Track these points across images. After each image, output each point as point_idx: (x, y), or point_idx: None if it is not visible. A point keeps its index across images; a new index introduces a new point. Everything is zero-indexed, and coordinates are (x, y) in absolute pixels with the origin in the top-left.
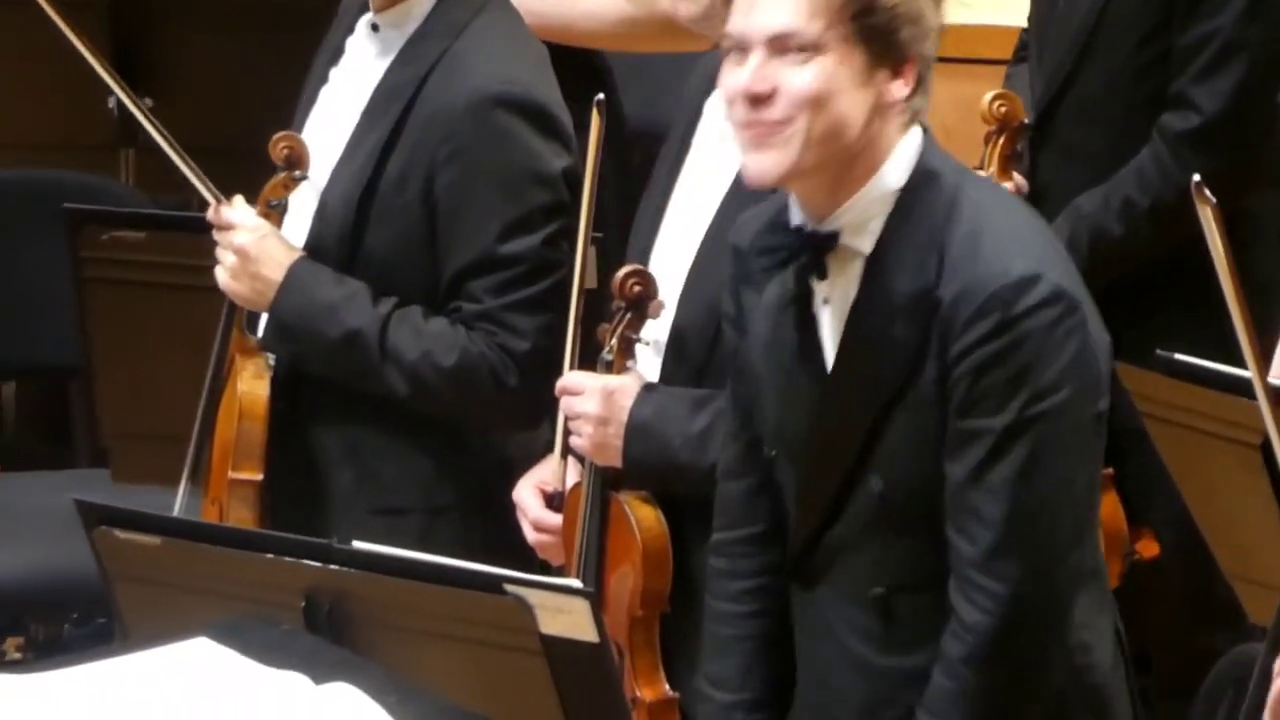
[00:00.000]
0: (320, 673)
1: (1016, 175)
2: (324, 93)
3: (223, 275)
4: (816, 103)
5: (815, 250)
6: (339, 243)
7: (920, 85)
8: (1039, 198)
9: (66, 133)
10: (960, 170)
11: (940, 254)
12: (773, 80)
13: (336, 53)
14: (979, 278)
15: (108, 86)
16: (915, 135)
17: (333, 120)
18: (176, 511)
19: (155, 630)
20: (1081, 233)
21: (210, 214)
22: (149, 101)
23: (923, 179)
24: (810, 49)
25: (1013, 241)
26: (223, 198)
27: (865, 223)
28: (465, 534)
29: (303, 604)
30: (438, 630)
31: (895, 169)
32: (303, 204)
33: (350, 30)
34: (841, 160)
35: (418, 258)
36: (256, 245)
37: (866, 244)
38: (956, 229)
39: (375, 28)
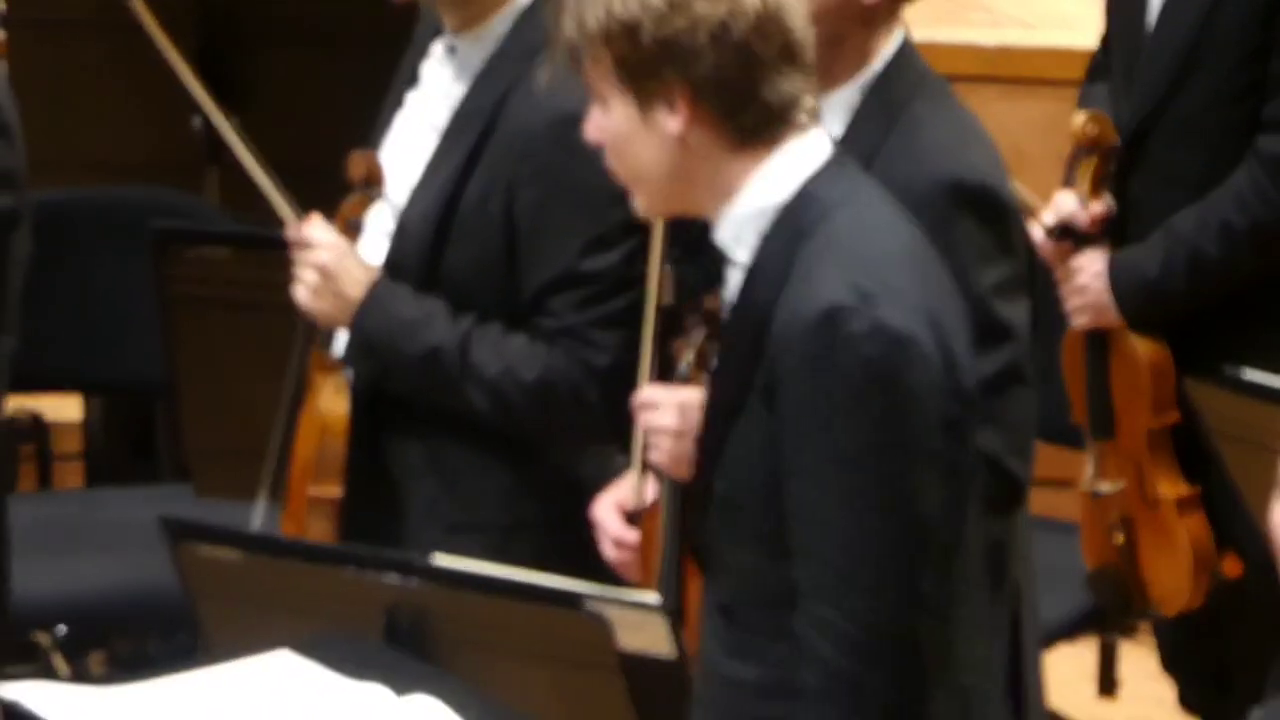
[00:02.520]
0: (402, 685)
1: (1107, 196)
2: (400, 115)
3: (303, 293)
4: (612, 153)
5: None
6: (419, 262)
7: (710, 108)
8: (1130, 219)
9: (151, 152)
10: (854, 192)
11: (788, 270)
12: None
13: (412, 76)
14: (804, 299)
15: (192, 106)
16: (792, 153)
17: (410, 142)
18: (255, 526)
19: (237, 644)
20: (1179, 254)
21: (290, 232)
22: (234, 118)
23: (802, 198)
24: (600, 101)
25: (855, 268)
26: (302, 216)
27: (740, 237)
28: (543, 550)
29: (384, 619)
30: (517, 645)
31: (765, 190)
32: (378, 224)
33: (425, 54)
34: (682, 195)
35: (497, 276)
36: (337, 263)
37: (743, 255)
38: (808, 247)
39: (452, 50)
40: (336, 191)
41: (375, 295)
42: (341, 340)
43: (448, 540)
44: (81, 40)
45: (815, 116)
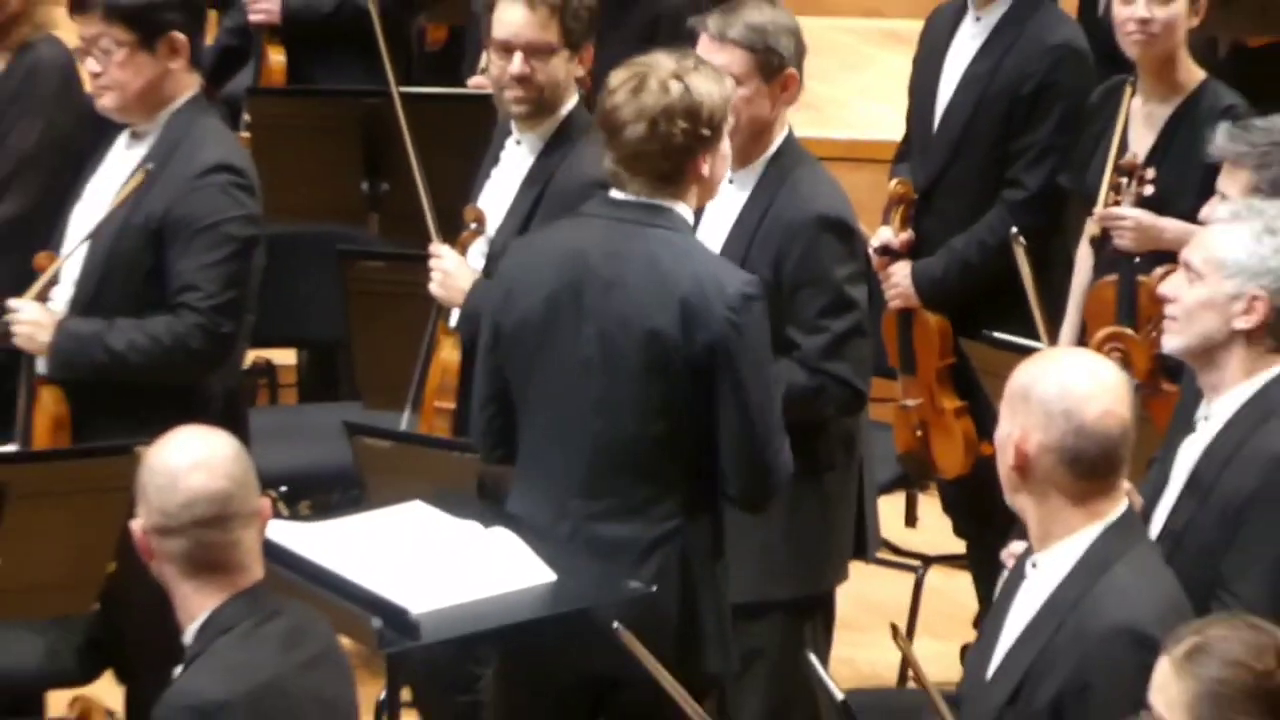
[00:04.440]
0: (487, 522)
1: (910, 229)
2: (489, 184)
3: (433, 286)
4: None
5: None
6: None
7: None
8: (923, 245)
9: (335, 203)
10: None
11: None
12: None
13: (495, 158)
14: None
15: (360, 175)
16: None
17: (497, 198)
18: (401, 427)
19: (388, 498)
20: (954, 262)
21: (431, 249)
22: (385, 186)
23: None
24: None
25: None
26: (437, 240)
27: None
28: None
29: (475, 482)
30: None
31: None
32: (478, 248)
33: (502, 145)
34: None
35: None
36: (456, 267)
37: None
38: None
39: (518, 142)
40: (456, 228)
41: (477, 288)
42: (455, 315)
43: None
44: (291, 133)
45: None
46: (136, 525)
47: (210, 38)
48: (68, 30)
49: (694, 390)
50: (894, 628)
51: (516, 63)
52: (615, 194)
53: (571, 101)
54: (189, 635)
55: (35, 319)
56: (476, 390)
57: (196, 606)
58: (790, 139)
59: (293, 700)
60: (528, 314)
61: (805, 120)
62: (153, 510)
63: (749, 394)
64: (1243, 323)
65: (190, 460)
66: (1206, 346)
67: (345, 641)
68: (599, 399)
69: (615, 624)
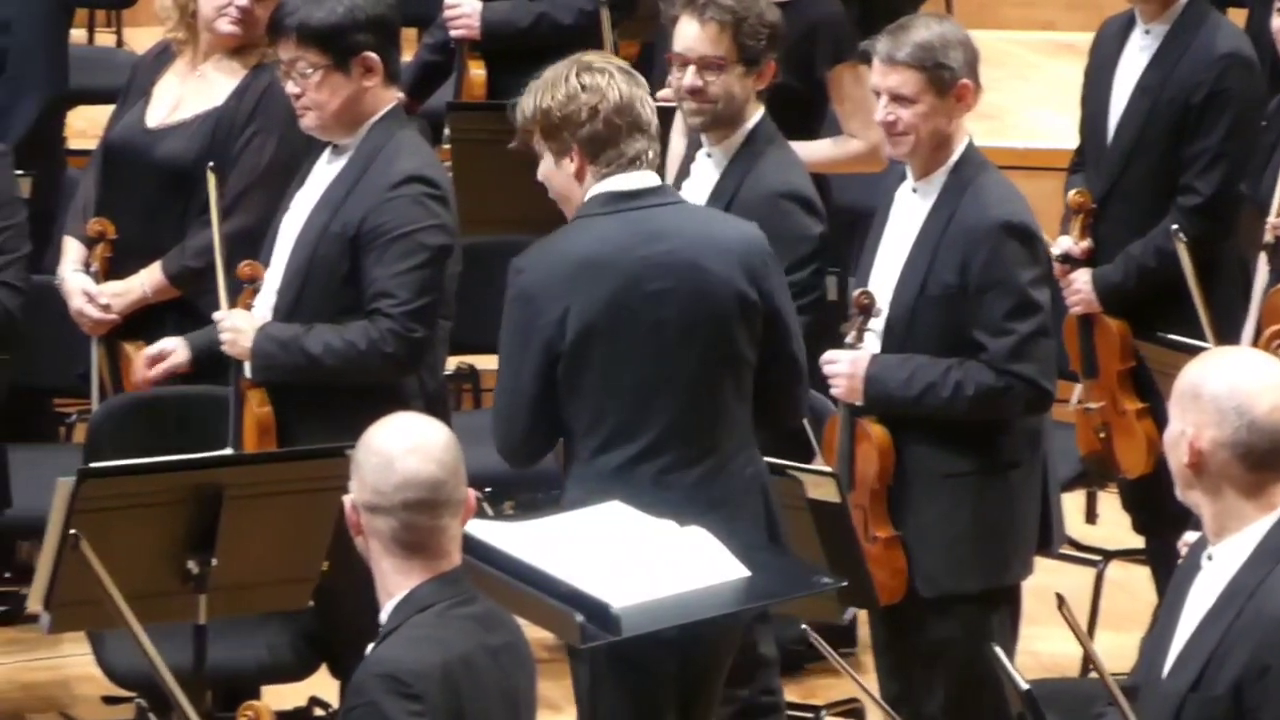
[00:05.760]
0: (683, 521)
1: (1089, 238)
2: (683, 190)
3: None
4: (546, 186)
5: None
6: None
7: (589, 156)
8: (1100, 252)
9: (528, 211)
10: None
11: None
12: None
13: (686, 170)
14: None
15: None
16: (592, 189)
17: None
18: None
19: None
20: (1132, 268)
21: None
22: None
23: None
24: (539, 155)
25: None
26: None
27: None
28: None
29: None
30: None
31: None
32: None
33: (693, 158)
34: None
35: None
36: None
37: None
38: None
39: (709, 155)
40: None
41: None
42: None
43: None
44: (490, 146)
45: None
46: (348, 499)
47: (411, 54)
48: None
49: (763, 335)
50: (1059, 597)
51: (689, 76)
52: (628, 184)
53: (756, 115)
54: (386, 612)
55: (237, 325)
56: (521, 415)
57: (395, 585)
58: (971, 148)
59: (481, 679)
60: (589, 326)
61: (981, 130)
62: (366, 487)
63: (793, 324)
64: None
65: (407, 444)
66: None
67: (547, 636)
68: (693, 379)
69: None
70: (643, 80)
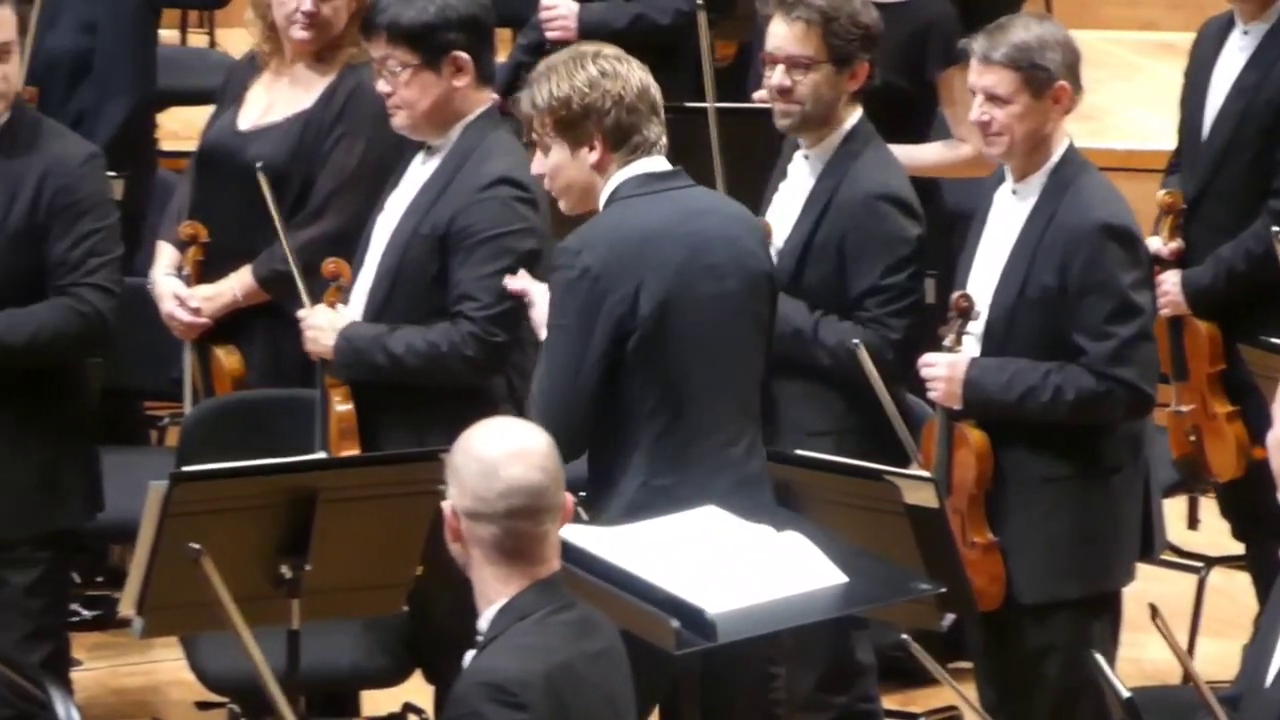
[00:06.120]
0: (780, 525)
1: (1179, 238)
2: (776, 197)
3: None
4: (550, 179)
5: None
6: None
7: (612, 144)
8: (1192, 253)
9: None
10: (618, 200)
11: None
12: None
13: (783, 171)
14: None
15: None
16: (618, 175)
17: (784, 211)
18: None
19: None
20: (1221, 271)
21: None
22: None
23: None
24: (542, 148)
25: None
26: None
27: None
28: (863, 451)
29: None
30: (847, 502)
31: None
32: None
33: (790, 158)
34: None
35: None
36: None
37: None
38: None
39: (806, 157)
40: None
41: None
42: None
43: (806, 441)
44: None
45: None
46: (447, 505)
47: (505, 54)
48: None
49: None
50: (1152, 608)
51: (777, 75)
52: (656, 167)
53: (853, 117)
54: (485, 619)
55: (319, 324)
56: (583, 400)
57: (495, 592)
58: (1071, 150)
59: (584, 686)
60: (664, 299)
61: (1082, 131)
62: (467, 493)
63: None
64: None
65: (509, 450)
66: None
67: None
68: (740, 352)
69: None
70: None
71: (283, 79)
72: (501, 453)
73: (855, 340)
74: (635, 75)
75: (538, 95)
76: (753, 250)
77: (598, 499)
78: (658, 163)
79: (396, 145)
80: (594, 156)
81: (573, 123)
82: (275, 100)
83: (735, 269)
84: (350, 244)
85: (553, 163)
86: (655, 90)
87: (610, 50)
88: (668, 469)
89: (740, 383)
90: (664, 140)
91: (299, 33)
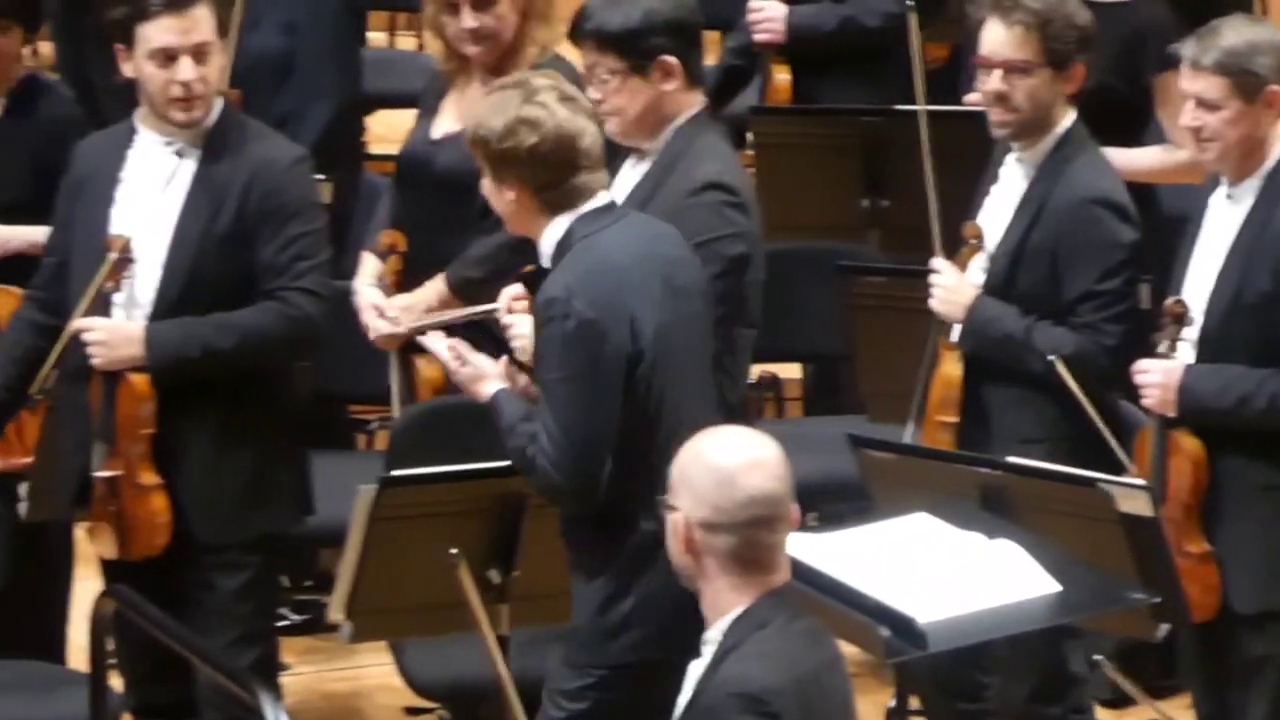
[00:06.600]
0: (992, 533)
1: None
2: (988, 201)
3: (934, 301)
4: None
5: None
6: (1003, 283)
7: (532, 190)
8: None
9: (832, 217)
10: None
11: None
12: None
13: (995, 175)
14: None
15: (859, 186)
16: (560, 221)
17: (996, 215)
18: (905, 439)
19: (894, 508)
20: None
21: (932, 264)
22: (885, 202)
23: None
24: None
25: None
26: (941, 260)
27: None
28: (1077, 459)
29: (978, 494)
30: (1059, 510)
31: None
32: (975, 265)
33: (1002, 162)
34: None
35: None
36: (956, 283)
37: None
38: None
39: (1019, 160)
40: (955, 244)
41: (981, 304)
42: (955, 330)
43: (1018, 448)
44: (794, 151)
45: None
46: (678, 517)
47: (714, 57)
48: (574, 51)
49: None
50: None
51: (994, 80)
52: (597, 203)
53: (1067, 120)
54: (718, 629)
55: (525, 330)
56: (605, 447)
57: (729, 602)
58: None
59: (826, 694)
60: (658, 326)
61: None
62: (704, 504)
63: None
64: None
65: (746, 459)
66: None
67: (853, 650)
68: (708, 371)
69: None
70: (585, 103)
71: (472, 87)
72: (739, 462)
73: (1051, 355)
74: (563, 123)
75: (470, 122)
76: (700, 270)
77: (605, 527)
78: (597, 199)
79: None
80: (510, 196)
81: (491, 161)
82: (465, 109)
83: (696, 290)
84: (534, 250)
85: (485, 188)
86: (587, 139)
87: (554, 91)
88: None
89: (712, 401)
90: (599, 185)
91: (469, 49)
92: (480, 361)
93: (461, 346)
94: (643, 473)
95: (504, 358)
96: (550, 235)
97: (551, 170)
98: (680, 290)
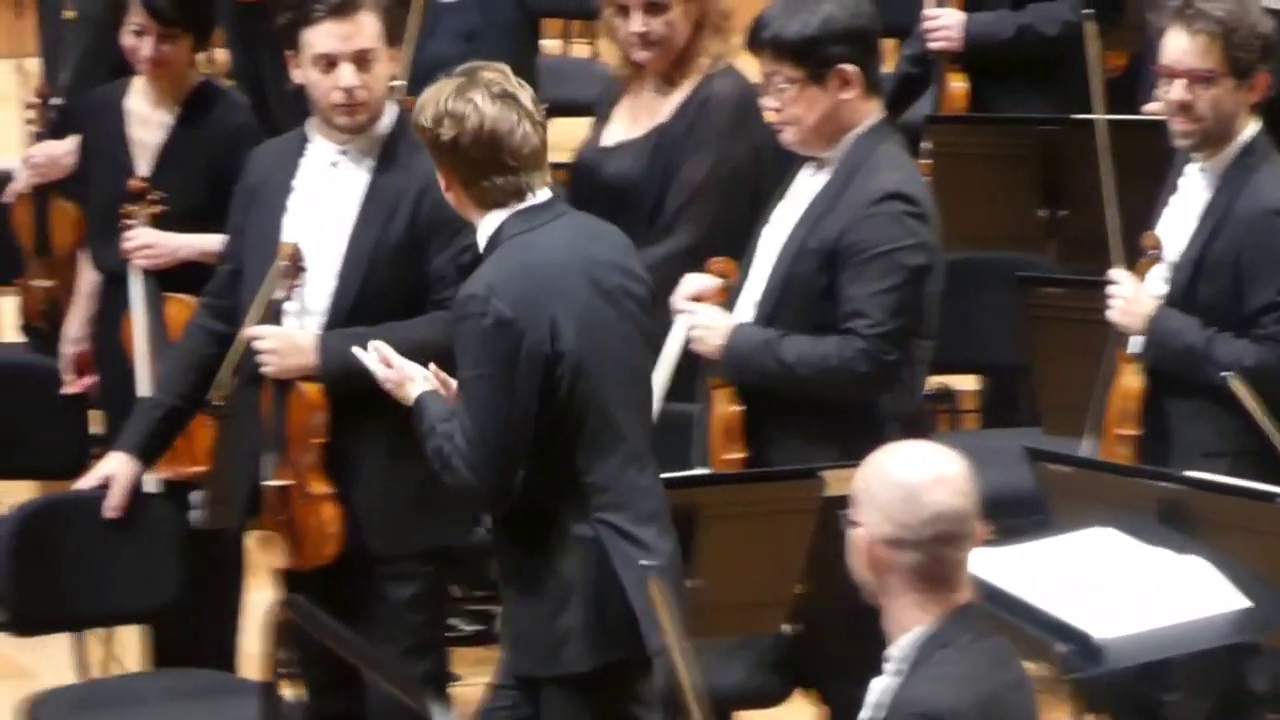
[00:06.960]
0: (1179, 549)
1: None
2: (1167, 211)
3: (1112, 312)
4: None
5: None
6: (1184, 294)
7: (461, 183)
8: None
9: (1009, 226)
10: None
11: None
12: None
13: (1174, 185)
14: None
15: (1037, 196)
16: (492, 218)
17: (1176, 226)
18: (1083, 453)
19: (1071, 523)
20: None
21: (1110, 274)
22: (1064, 212)
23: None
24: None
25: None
26: (1120, 271)
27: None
28: (1261, 474)
29: (1155, 508)
30: (1240, 525)
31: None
32: (1155, 276)
33: (1182, 172)
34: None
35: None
36: (1136, 293)
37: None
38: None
39: (1202, 170)
40: (1134, 254)
41: (1163, 315)
42: (1134, 341)
43: (1200, 462)
44: (971, 160)
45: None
46: (861, 533)
47: (890, 65)
48: (749, 61)
49: None
50: None
51: (1177, 90)
52: (531, 202)
53: (1250, 129)
54: (901, 646)
55: (710, 322)
56: (520, 447)
57: (912, 619)
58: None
59: (1010, 714)
60: (579, 329)
61: None
62: (888, 521)
63: None
64: None
65: (932, 475)
66: None
67: (1031, 666)
68: (643, 376)
69: None
70: (526, 102)
71: (644, 94)
72: (924, 478)
73: (1226, 373)
74: (490, 120)
75: (416, 107)
76: (638, 274)
77: (536, 535)
78: (534, 197)
79: (752, 157)
80: (444, 184)
81: (430, 147)
82: (636, 116)
83: (629, 293)
84: (702, 259)
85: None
86: (517, 137)
87: (492, 86)
88: (609, 502)
89: (647, 408)
90: (536, 183)
91: (639, 54)
92: (405, 365)
93: (385, 349)
94: (567, 476)
95: (431, 364)
96: (484, 230)
97: (472, 166)
98: (610, 293)
